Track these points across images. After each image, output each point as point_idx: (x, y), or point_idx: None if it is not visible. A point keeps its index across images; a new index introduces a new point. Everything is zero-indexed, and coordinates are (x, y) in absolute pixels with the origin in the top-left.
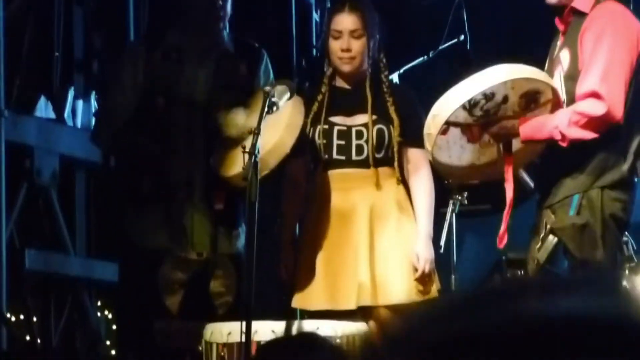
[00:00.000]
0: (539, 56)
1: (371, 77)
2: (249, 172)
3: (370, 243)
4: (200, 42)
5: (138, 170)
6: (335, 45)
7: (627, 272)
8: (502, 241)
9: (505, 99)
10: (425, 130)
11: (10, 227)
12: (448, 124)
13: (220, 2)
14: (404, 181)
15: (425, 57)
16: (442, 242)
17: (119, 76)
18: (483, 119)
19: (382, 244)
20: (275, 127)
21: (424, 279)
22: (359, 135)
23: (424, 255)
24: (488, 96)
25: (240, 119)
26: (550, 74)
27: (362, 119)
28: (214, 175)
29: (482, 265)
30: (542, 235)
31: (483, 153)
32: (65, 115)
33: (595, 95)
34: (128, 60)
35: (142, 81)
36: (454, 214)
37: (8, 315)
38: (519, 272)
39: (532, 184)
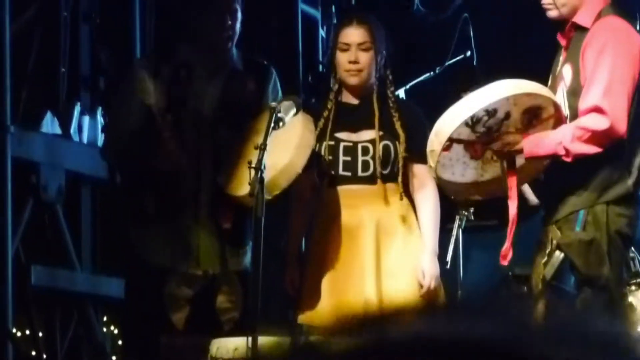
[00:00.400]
0: (544, 72)
1: (378, 93)
2: (255, 188)
3: (376, 259)
4: (210, 59)
5: (144, 187)
6: (342, 58)
7: (634, 289)
8: (507, 258)
9: (507, 115)
10: (429, 148)
11: (16, 242)
12: (451, 140)
13: (229, 22)
14: (409, 196)
15: (432, 72)
16: (449, 258)
17: (127, 92)
18: (486, 136)
19: (389, 260)
20: (286, 147)
21: (429, 295)
22: (365, 151)
23: (430, 272)
24: (490, 112)
25: (213, 114)
26: (553, 89)
27: (368, 134)
28: (221, 193)
29: (488, 281)
30: (547, 250)
31: (486, 170)
32: (72, 130)
33: (598, 110)
34: (136, 77)
35: (150, 97)
36: (460, 230)
37: (14, 330)
38: (524, 288)
39: (535, 200)
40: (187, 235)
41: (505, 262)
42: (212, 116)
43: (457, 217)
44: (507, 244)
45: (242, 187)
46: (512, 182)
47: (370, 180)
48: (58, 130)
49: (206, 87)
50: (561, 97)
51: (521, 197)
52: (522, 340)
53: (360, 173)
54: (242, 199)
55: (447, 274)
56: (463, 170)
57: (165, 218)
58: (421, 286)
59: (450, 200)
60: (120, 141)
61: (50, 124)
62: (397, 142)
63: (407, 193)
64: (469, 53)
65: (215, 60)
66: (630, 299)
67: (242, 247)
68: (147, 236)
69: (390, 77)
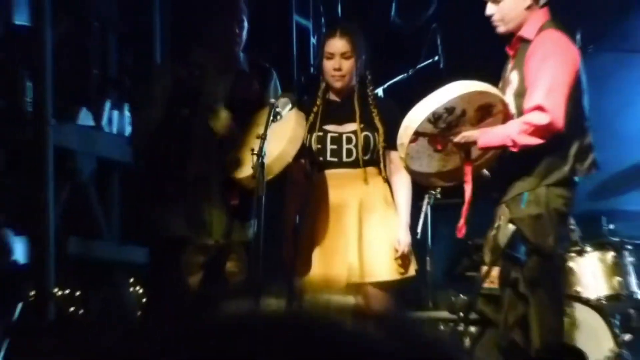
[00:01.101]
0: (497, 76)
1: (359, 92)
2: (257, 172)
3: (359, 231)
4: (220, 61)
5: (164, 170)
6: (328, 65)
7: (574, 255)
8: (461, 231)
9: (463, 112)
10: (399, 141)
11: (57, 218)
12: (417, 134)
13: (237, 31)
14: (387, 178)
15: (406, 74)
16: (419, 230)
17: (150, 91)
18: (446, 130)
19: (369, 232)
20: (280, 139)
21: (403, 260)
22: (349, 140)
23: (404, 240)
24: (449, 110)
25: (223, 115)
26: (503, 92)
27: (351, 127)
28: (228, 176)
29: (452, 249)
30: (496, 225)
31: (448, 161)
32: (103, 123)
33: (540, 108)
34: (157, 76)
35: (170, 95)
36: (429, 207)
37: (55, 290)
38: (480, 255)
39: (487, 173)
40: (201, 212)
41: (460, 235)
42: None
43: (426, 196)
44: (462, 220)
45: (245, 171)
46: (468, 169)
47: (354, 164)
48: (91, 123)
49: (217, 84)
50: (509, 98)
51: (476, 182)
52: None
53: (345, 159)
54: (245, 181)
55: (417, 243)
56: (429, 162)
57: (183, 198)
58: (397, 251)
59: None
60: (147, 133)
61: (84, 118)
62: (376, 134)
63: (386, 177)
64: (436, 58)
65: (224, 62)
66: (571, 264)
67: (247, 222)
68: (167, 213)
69: (370, 78)
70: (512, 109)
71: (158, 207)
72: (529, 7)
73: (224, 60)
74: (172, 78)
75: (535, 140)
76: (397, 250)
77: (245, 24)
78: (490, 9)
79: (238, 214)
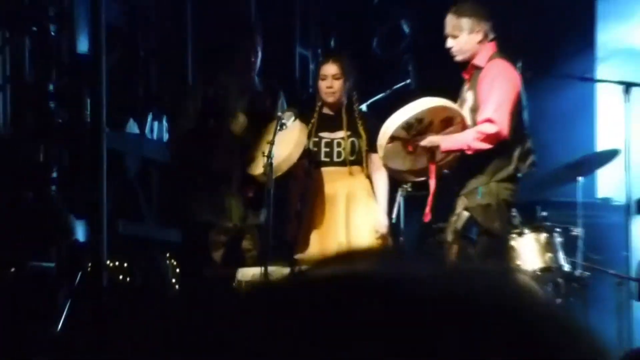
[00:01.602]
0: (457, 95)
1: (347, 107)
2: (267, 170)
3: (346, 216)
4: (240, 84)
5: (194, 168)
6: (322, 85)
7: (515, 236)
8: (427, 217)
9: (430, 122)
10: (378, 142)
11: (109, 205)
12: (392, 138)
13: (253, 59)
14: (369, 175)
15: (384, 93)
16: (394, 215)
17: (184, 105)
18: (416, 136)
19: (355, 217)
20: (288, 144)
21: (382, 238)
22: (339, 145)
23: (382, 223)
24: (419, 120)
25: (241, 119)
26: (461, 107)
27: (340, 134)
28: (247, 174)
29: (420, 231)
30: (457, 212)
31: (417, 161)
32: (146, 131)
33: (490, 120)
34: (190, 94)
35: (199, 108)
36: (402, 197)
37: (107, 262)
38: (443, 236)
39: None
40: (224, 201)
41: (427, 220)
42: (241, 122)
43: (400, 189)
44: (428, 208)
45: (258, 169)
46: (433, 168)
47: (342, 164)
48: (137, 131)
49: (237, 102)
50: (466, 113)
51: (440, 178)
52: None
53: (335, 159)
54: (258, 177)
55: (393, 226)
56: (402, 161)
57: (210, 190)
58: (377, 232)
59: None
60: (181, 139)
61: (132, 127)
62: (360, 140)
63: (368, 174)
64: (409, 80)
65: (243, 84)
66: (512, 243)
67: (259, 209)
68: (196, 202)
69: (356, 96)
70: (469, 121)
71: (189, 197)
72: (480, 41)
73: (243, 82)
74: (202, 96)
75: (486, 146)
76: (377, 231)
77: (260, 53)
78: (450, 42)
79: (252, 203)
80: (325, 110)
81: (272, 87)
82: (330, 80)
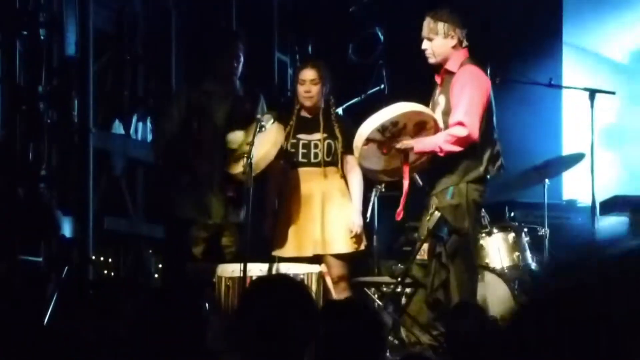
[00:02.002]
0: (428, 99)
1: (324, 110)
2: (247, 169)
3: (322, 214)
4: (223, 89)
5: (178, 169)
6: (301, 89)
7: (484, 235)
8: (400, 215)
9: (404, 126)
10: (354, 144)
11: (95, 202)
12: (368, 140)
13: (236, 65)
14: (344, 176)
15: (359, 97)
16: (368, 215)
17: (169, 109)
18: (391, 139)
19: (330, 215)
20: (265, 143)
21: (356, 238)
22: (315, 146)
23: (357, 223)
24: (394, 123)
25: (237, 138)
26: (433, 111)
27: (317, 136)
28: (227, 174)
29: (393, 230)
30: (430, 211)
31: (391, 162)
32: (131, 131)
33: (461, 124)
34: (176, 98)
35: (184, 113)
36: (376, 197)
37: (93, 257)
38: (415, 234)
39: (420, 182)
40: (205, 200)
41: (398, 218)
42: (223, 125)
43: (374, 189)
44: (400, 207)
45: (237, 168)
46: (406, 169)
47: (319, 164)
48: (122, 131)
49: (219, 106)
50: (438, 116)
51: (412, 180)
52: None
53: (312, 160)
54: (237, 176)
55: (367, 225)
56: (377, 162)
57: (192, 190)
58: (351, 231)
59: (369, 179)
60: (164, 141)
61: (117, 127)
62: (336, 141)
63: (343, 174)
64: (382, 86)
65: (225, 89)
66: (481, 242)
67: (239, 208)
68: (180, 200)
69: (332, 100)
70: (441, 124)
71: (172, 196)
72: (454, 47)
73: (226, 88)
74: (186, 101)
75: (457, 148)
76: (351, 231)
77: (242, 59)
78: (425, 44)
79: (233, 202)
80: (303, 114)
81: (253, 92)
82: (309, 84)
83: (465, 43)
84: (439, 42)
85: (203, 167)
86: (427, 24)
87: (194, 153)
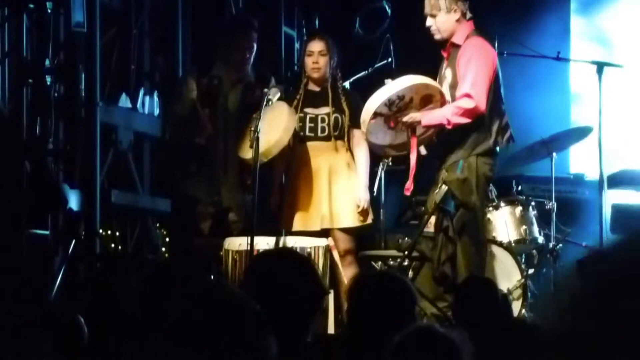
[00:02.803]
0: (435, 73)
1: (331, 84)
2: (253, 143)
3: (329, 188)
4: (234, 74)
5: (188, 153)
6: (309, 60)
7: (491, 209)
8: (409, 190)
9: (411, 100)
10: (361, 119)
11: (102, 176)
12: (375, 114)
13: (248, 56)
14: (351, 150)
15: (366, 71)
16: (375, 189)
17: (179, 91)
18: (398, 112)
19: (337, 189)
20: (276, 129)
21: (363, 212)
22: (323, 120)
23: (364, 197)
24: (400, 97)
25: (233, 108)
26: (440, 85)
27: (325, 110)
28: (243, 162)
29: (399, 204)
30: (438, 185)
31: (398, 135)
32: (138, 105)
33: (468, 95)
34: (186, 81)
35: (194, 95)
36: (382, 171)
37: (100, 231)
38: (422, 208)
39: (424, 151)
40: (217, 186)
41: (408, 193)
42: (235, 111)
43: (381, 164)
44: (409, 182)
45: (249, 153)
46: (414, 143)
47: (326, 139)
48: (129, 105)
49: (230, 92)
50: (445, 89)
51: (419, 153)
52: None
53: (319, 134)
54: (248, 161)
55: (373, 199)
56: (384, 136)
57: (203, 175)
58: (358, 206)
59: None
60: (174, 122)
61: (124, 101)
62: (343, 115)
63: (350, 148)
64: (389, 59)
65: (237, 76)
66: (488, 215)
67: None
68: (189, 182)
69: (339, 74)
70: (448, 97)
71: (181, 178)
72: (458, 20)
73: (237, 75)
74: (197, 84)
75: (464, 120)
76: (358, 205)
77: (255, 48)
78: (429, 21)
79: (247, 188)
80: (310, 87)
81: (263, 76)
82: (317, 56)
83: (469, 15)
84: (443, 17)
85: (216, 152)
86: (428, 1)
87: (206, 138)
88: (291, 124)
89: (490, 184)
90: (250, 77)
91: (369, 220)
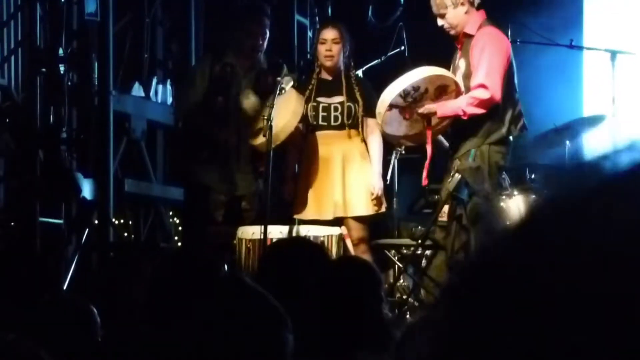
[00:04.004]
0: (448, 62)
1: (344, 72)
2: (266, 132)
3: (342, 177)
4: (247, 62)
5: (202, 140)
6: (321, 48)
7: (504, 198)
8: (425, 181)
9: (426, 90)
10: (377, 110)
11: (115, 165)
12: (390, 106)
13: (261, 42)
14: (364, 140)
15: (379, 60)
16: (388, 177)
17: (192, 78)
18: (413, 103)
19: (350, 178)
20: (285, 113)
21: (377, 200)
22: (336, 109)
23: (377, 185)
24: (415, 88)
25: (253, 104)
26: (454, 75)
27: (338, 99)
28: (255, 148)
29: (412, 192)
30: (451, 174)
31: (413, 126)
32: (151, 94)
33: (483, 86)
34: (199, 68)
35: (207, 83)
36: (396, 160)
37: (113, 219)
38: (435, 197)
39: (446, 144)
40: (231, 174)
41: (425, 184)
42: None
43: (394, 152)
44: (425, 173)
45: (260, 139)
46: (429, 133)
47: (339, 127)
48: (142, 93)
49: (243, 79)
50: (459, 80)
51: (436, 143)
52: None
53: (332, 123)
54: (259, 147)
55: (387, 187)
56: (398, 127)
57: (216, 163)
58: (372, 194)
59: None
60: (187, 109)
61: (137, 90)
62: (356, 105)
63: (363, 137)
64: (402, 48)
65: (249, 64)
66: (502, 204)
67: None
68: (201, 169)
69: (352, 63)
70: (462, 87)
71: (194, 165)
72: (467, 12)
73: (249, 62)
74: (210, 71)
75: (480, 111)
76: (372, 194)
77: (267, 35)
78: (440, 21)
79: (261, 175)
80: (323, 76)
81: (275, 63)
82: (330, 43)
83: (478, 4)
84: (451, 13)
85: (228, 140)
86: (434, 1)
87: (218, 126)
88: (299, 108)
89: (504, 173)
90: (263, 64)
91: (383, 208)
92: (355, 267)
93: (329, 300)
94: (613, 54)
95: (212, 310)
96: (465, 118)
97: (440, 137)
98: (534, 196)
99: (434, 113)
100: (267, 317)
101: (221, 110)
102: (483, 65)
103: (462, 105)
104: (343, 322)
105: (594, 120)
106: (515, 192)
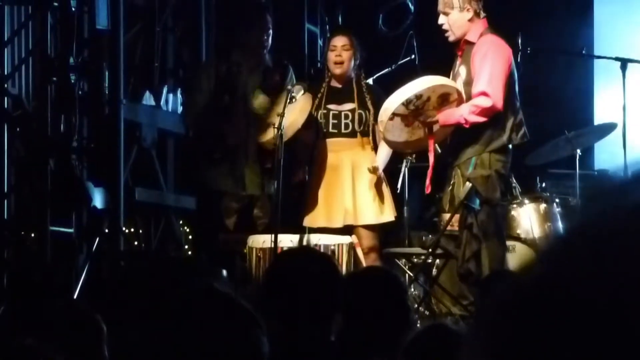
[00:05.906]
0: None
1: (355, 80)
2: (277, 141)
3: (352, 184)
4: (252, 61)
5: (211, 141)
6: (332, 55)
7: (515, 206)
8: (428, 189)
9: (428, 99)
10: (379, 119)
11: (126, 173)
12: (393, 114)
13: (265, 38)
14: (374, 148)
15: (390, 68)
16: (399, 186)
17: (199, 81)
18: (415, 111)
19: (360, 185)
20: (293, 111)
21: (387, 208)
22: (346, 117)
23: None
24: (418, 96)
25: (263, 103)
26: (454, 82)
27: (348, 106)
28: (263, 146)
29: (423, 200)
30: (451, 182)
31: (414, 133)
32: (162, 103)
33: (484, 94)
34: (205, 70)
35: (214, 84)
36: (406, 168)
37: (124, 228)
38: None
39: (439, 150)
40: (240, 172)
41: (428, 192)
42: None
43: (405, 161)
44: (428, 181)
45: (267, 136)
46: (431, 142)
47: (350, 135)
48: (152, 102)
49: (249, 79)
50: (460, 87)
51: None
52: None
53: (343, 130)
54: (266, 144)
55: (397, 196)
56: (399, 134)
57: (226, 162)
58: (375, 169)
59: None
60: (195, 113)
61: (148, 98)
62: (368, 112)
63: (374, 145)
64: (413, 56)
65: (255, 61)
66: (512, 212)
67: (273, 179)
68: (212, 172)
69: (363, 71)
70: (463, 95)
71: (205, 168)
72: (470, 20)
73: (255, 60)
74: (216, 72)
75: (481, 119)
76: (375, 168)
77: (271, 32)
78: (441, 19)
79: (269, 173)
80: (333, 83)
81: (282, 64)
82: (340, 50)
83: (482, 14)
84: (455, 15)
85: (237, 138)
86: None
87: (226, 125)
88: (307, 106)
89: (514, 181)
90: (269, 63)
91: (393, 217)
92: (380, 278)
93: (355, 312)
94: (624, 62)
95: (180, 312)
96: (467, 126)
97: (435, 145)
98: (544, 204)
99: (436, 121)
100: (238, 319)
101: (229, 109)
102: (485, 73)
103: (464, 113)
104: (373, 333)
105: (604, 129)
106: (526, 201)
